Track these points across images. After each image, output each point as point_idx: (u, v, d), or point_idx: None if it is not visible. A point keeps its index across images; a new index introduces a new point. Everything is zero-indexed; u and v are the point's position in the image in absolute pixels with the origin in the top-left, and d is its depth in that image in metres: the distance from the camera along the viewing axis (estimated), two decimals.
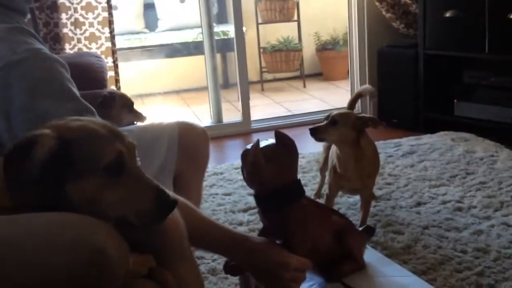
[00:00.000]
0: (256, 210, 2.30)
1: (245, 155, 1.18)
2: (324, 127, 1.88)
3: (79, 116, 0.95)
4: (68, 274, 0.78)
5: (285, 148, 1.18)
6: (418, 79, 3.41)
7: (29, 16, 1.27)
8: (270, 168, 1.14)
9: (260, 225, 2.15)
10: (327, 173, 2.16)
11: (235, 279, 1.75)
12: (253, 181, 1.19)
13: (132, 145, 0.93)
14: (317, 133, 1.87)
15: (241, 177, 2.68)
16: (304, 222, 1.20)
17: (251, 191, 2.49)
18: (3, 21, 1.10)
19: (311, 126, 1.90)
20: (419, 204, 2.28)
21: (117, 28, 3.21)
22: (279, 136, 1.18)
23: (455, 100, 3.29)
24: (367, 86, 2.53)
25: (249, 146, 1.19)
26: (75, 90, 1.08)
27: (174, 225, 1.07)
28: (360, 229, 1.44)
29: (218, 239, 1.20)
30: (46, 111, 1.00)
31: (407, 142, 3.12)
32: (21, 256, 0.79)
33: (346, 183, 2.01)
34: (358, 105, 3.96)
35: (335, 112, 1.92)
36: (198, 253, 1.95)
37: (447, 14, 3.15)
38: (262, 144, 1.17)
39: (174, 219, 1.07)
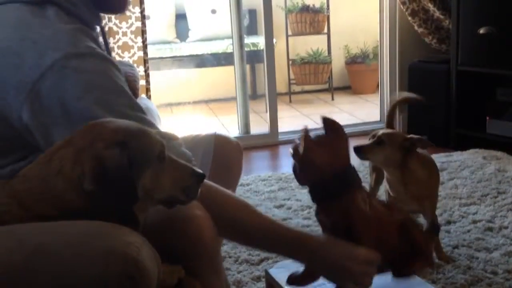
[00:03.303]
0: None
1: (295, 148, 1.15)
2: (370, 147, 1.78)
3: (132, 111, 1.07)
4: (102, 284, 0.78)
5: (334, 133, 1.14)
6: (450, 95, 3.36)
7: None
8: (323, 154, 1.10)
9: None
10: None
11: None
12: (306, 171, 1.14)
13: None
14: (361, 152, 1.77)
15: (268, 188, 2.71)
16: (365, 213, 1.13)
17: (278, 203, 2.51)
18: (72, 23, 1.14)
19: (356, 144, 1.79)
20: (449, 222, 2.24)
21: (149, 37, 3.25)
22: (327, 122, 1.15)
23: (487, 117, 3.23)
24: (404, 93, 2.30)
25: (297, 140, 1.16)
26: (127, 89, 1.13)
27: (211, 238, 1.07)
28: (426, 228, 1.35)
29: (283, 238, 1.17)
30: (102, 104, 1.03)
31: (437, 158, 3.07)
32: (57, 265, 0.79)
33: (402, 205, 1.87)
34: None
35: (382, 131, 1.82)
36: (223, 264, 1.95)
37: (481, 31, 3.10)
38: (311, 134, 1.15)
39: (211, 232, 1.07)
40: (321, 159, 1.12)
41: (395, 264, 1.19)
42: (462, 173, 2.81)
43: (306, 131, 1.13)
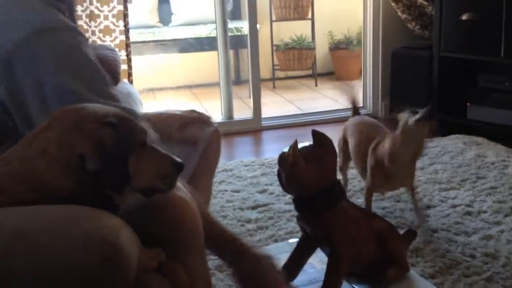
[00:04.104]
0: (264, 208, 2.30)
1: (283, 158, 1.15)
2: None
3: (105, 87, 1.08)
4: (81, 268, 0.78)
5: (323, 148, 1.14)
6: (432, 81, 3.38)
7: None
8: (310, 169, 1.11)
9: (269, 223, 2.15)
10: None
11: None
12: (292, 185, 1.14)
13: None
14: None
15: (251, 174, 2.72)
16: (347, 225, 1.15)
17: (261, 188, 2.52)
18: None
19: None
20: (428, 207, 2.27)
21: (131, 21, 3.21)
22: (317, 136, 1.14)
23: (468, 104, 3.26)
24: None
25: (285, 149, 1.15)
26: (97, 62, 1.13)
27: (193, 220, 1.07)
28: (402, 232, 1.34)
29: (228, 245, 1.19)
30: (78, 78, 1.04)
31: None
32: (36, 249, 0.79)
33: (391, 183, 2.04)
34: (370, 106, 3.94)
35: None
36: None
37: (464, 17, 3.12)
38: (300, 145, 1.14)
39: (193, 214, 1.08)
40: (308, 176, 1.12)
41: (372, 274, 1.21)
42: (442, 159, 2.84)
43: (296, 144, 1.13)
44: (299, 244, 1.23)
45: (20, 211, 0.86)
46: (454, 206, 2.26)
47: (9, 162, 0.92)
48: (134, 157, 0.94)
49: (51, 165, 0.90)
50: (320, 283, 1.16)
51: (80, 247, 0.79)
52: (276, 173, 2.68)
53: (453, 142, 3.10)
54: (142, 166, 0.96)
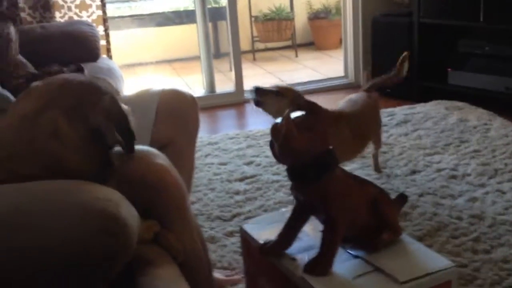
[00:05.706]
0: (252, 179, 2.31)
1: (275, 129, 1.15)
2: None
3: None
4: (81, 240, 0.77)
5: (315, 116, 1.16)
6: (412, 48, 3.39)
7: None
8: (304, 138, 1.12)
9: (258, 194, 2.16)
10: None
11: (235, 247, 1.77)
12: (286, 155, 1.15)
13: None
14: None
15: (236, 146, 2.71)
16: (341, 191, 1.17)
17: (248, 160, 2.52)
18: None
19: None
20: (414, 172, 2.30)
21: None
22: (308, 104, 1.16)
23: (449, 69, 3.28)
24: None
25: (278, 120, 1.16)
26: None
27: (175, 185, 1.06)
28: (393, 198, 1.38)
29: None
30: None
31: (401, 111, 3.12)
32: (32, 222, 0.78)
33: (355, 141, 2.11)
34: (351, 75, 3.94)
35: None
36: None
37: None
38: (292, 115, 1.15)
39: (175, 180, 1.07)
40: (302, 145, 1.13)
41: (365, 239, 1.23)
42: (426, 124, 2.87)
43: (288, 114, 1.13)
44: (293, 213, 1.24)
45: (18, 187, 0.85)
46: (439, 170, 2.29)
47: (8, 145, 0.90)
48: None
49: (64, 143, 0.90)
50: (315, 250, 1.17)
51: (79, 220, 0.78)
52: (261, 144, 2.70)
53: (435, 107, 3.13)
54: None
